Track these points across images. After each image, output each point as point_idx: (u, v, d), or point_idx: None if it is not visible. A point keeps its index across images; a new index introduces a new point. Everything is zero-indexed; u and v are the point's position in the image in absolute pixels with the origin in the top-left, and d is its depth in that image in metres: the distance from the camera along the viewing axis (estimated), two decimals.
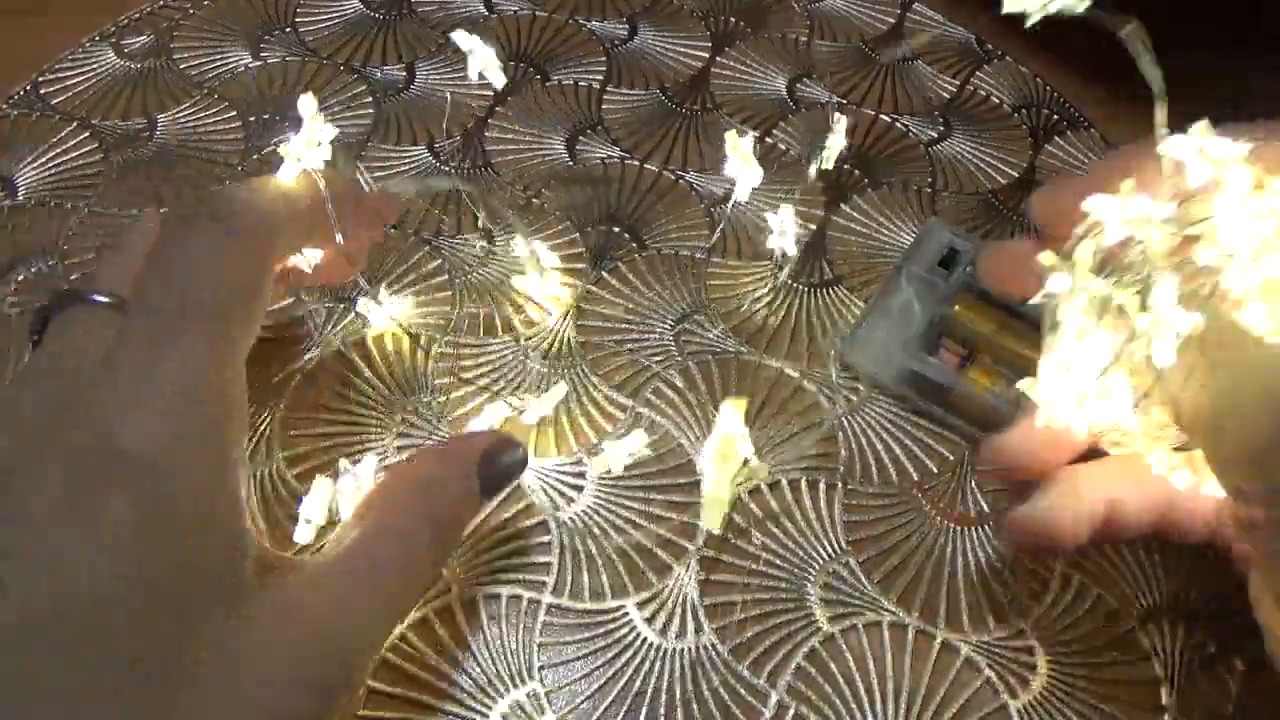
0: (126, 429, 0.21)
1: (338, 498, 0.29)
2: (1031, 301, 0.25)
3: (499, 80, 0.31)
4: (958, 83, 0.49)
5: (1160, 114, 0.24)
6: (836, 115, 0.33)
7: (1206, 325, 0.22)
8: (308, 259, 0.31)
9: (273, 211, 0.26)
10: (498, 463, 0.28)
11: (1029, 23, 0.24)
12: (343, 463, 0.30)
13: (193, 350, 0.22)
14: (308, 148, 0.29)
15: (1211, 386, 0.22)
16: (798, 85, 0.49)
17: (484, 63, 0.31)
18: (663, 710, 0.29)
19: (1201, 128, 0.23)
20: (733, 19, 0.52)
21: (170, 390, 0.22)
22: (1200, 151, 0.23)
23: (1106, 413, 0.25)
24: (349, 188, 0.29)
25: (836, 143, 0.33)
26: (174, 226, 0.25)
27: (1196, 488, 0.26)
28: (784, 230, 0.32)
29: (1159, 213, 0.23)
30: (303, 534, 0.29)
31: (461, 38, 0.31)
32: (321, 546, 0.27)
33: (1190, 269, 0.23)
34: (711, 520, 0.28)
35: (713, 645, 0.30)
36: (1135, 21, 0.24)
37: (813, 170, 0.36)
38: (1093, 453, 0.28)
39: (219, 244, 0.24)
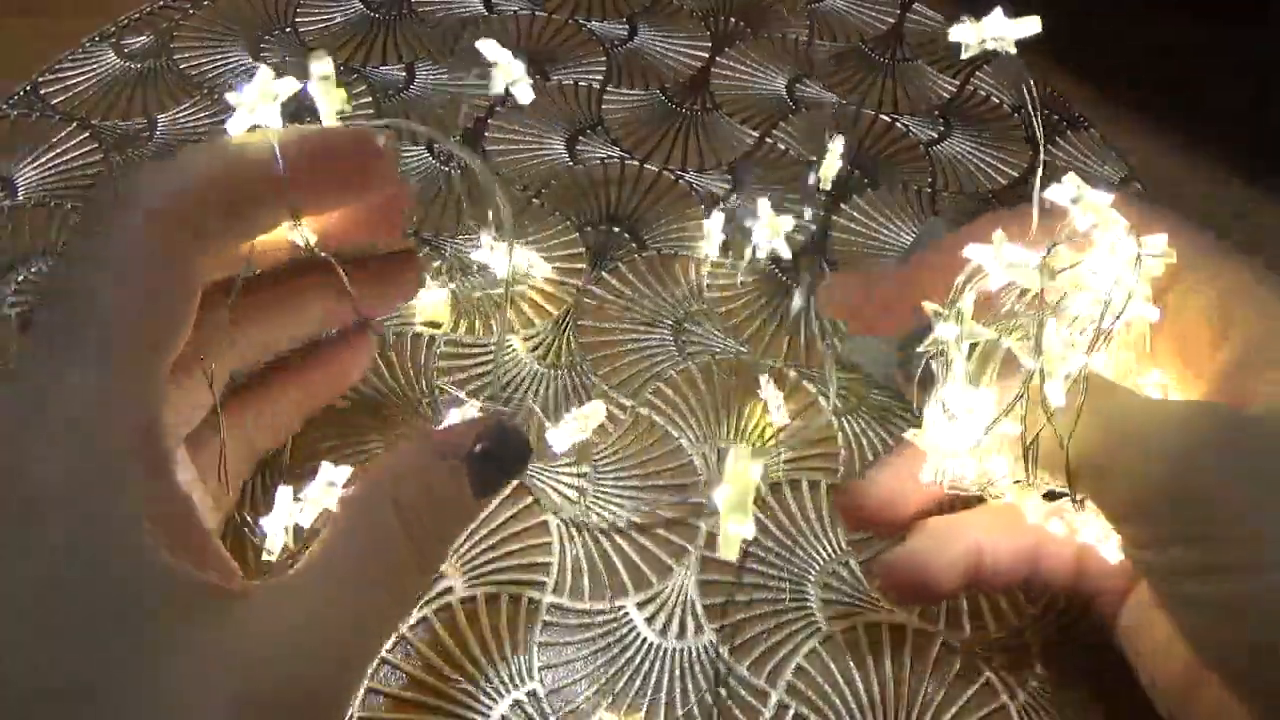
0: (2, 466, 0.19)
1: (307, 507, 0.26)
2: (919, 350, 0.25)
3: (526, 96, 0.28)
4: (958, 83, 0.49)
5: (1037, 179, 0.24)
6: (834, 136, 0.32)
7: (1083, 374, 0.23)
8: (302, 233, 0.26)
9: (185, 195, 0.22)
10: (491, 456, 0.24)
11: (964, 54, 0.24)
12: (324, 465, 0.27)
13: (85, 372, 0.20)
14: (262, 99, 0.24)
15: (1091, 436, 0.22)
16: (798, 85, 0.49)
17: (511, 75, 0.28)
18: (663, 710, 0.29)
19: (1072, 176, 0.24)
20: (733, 19, 0.52)
21: (56, 420, 0.19)
22: (1077, 199, 0.23)
23: (991, 463, 0.25)
24: (313, 142, 0.24)
25: (832, 165, 0.32)
26: (79, 224, 0.23)
27: (1071, 536, 0.26)
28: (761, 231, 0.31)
29: (1035, 259, 0.24)
30: (268, 553, 0.26)
31: (488, 48, 0.28)
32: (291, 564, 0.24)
33: (1063, 319, 0.24)
34: (730, 551, 0.25)
35: (713, 645, 0.30)
36: (1029, 81, 0.25)
37: (811, 179, 0.35)
38: (951, 504, 0.28)
39: (118, 244, 0.21)
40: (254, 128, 0.24)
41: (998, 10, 0.23)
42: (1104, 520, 0.25)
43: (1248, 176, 0.46)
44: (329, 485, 0.26)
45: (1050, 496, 0.26)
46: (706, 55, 0.50)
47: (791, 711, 0.29)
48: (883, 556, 0.27)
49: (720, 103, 0.47)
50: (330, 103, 0.26)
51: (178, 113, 0.45)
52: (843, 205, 0.43)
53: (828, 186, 0.33)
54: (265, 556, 0.26)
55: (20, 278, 0.38)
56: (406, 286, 0.31)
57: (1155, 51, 0.50)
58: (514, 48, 0.49)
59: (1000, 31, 0.23)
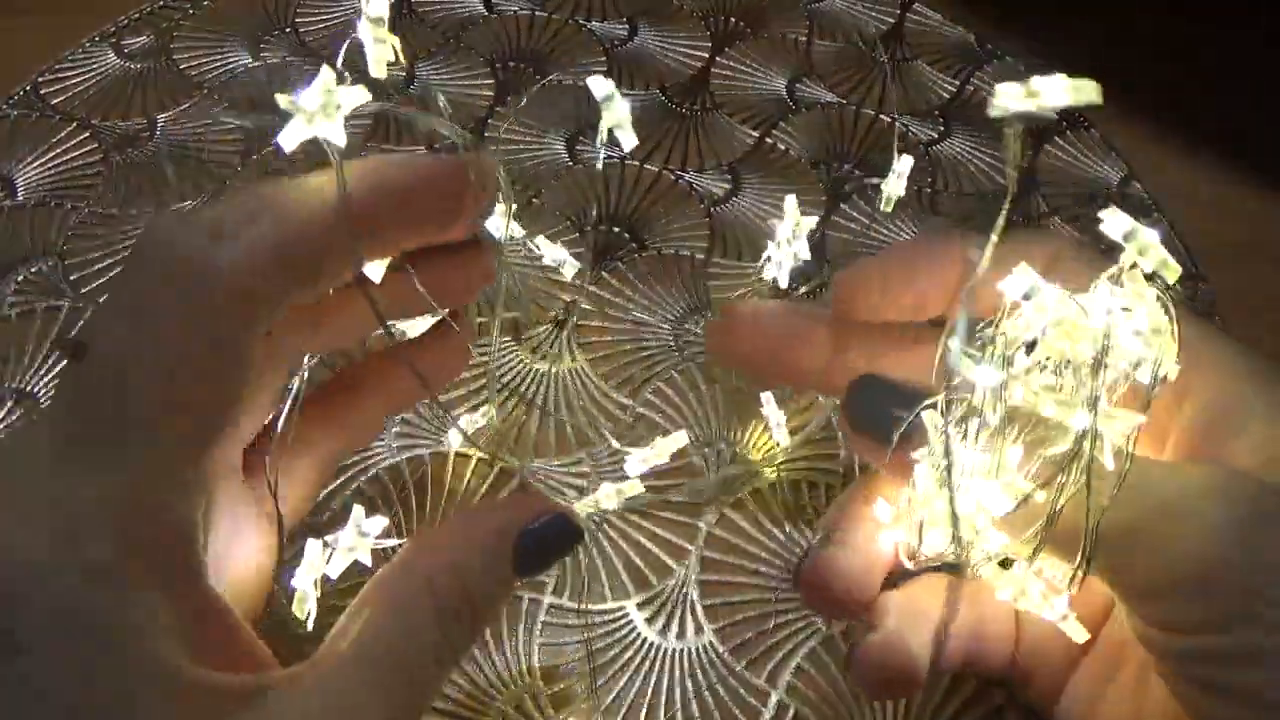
0: None
1: (336, 556, 0.25)
2: (937, 399, 0.21)
3: (629, 141, 0.25)
4: (958, 83, 0.49)
5: (1001, 218, 0.22)
6: (901, 157, 0.29)
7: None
8: (376, 268, 0.23)
9: (238, 265, 0.19)
10: (539, 542, 0.22)
11: (993, 112, 0.21)
12: (355, 509, 0.26)
13: (93, 472, 0.18)
14: (324, 111, 0.19)
15: (1116, 505, 0.20)
16: (798, 85, 0.49)
17: (616, 118, 0.25)
18: (662, 710, 0.29)
19: (1113, 211, 0.20)
20: (733, 19, 0.52)
21: (58, 522, 0.18)
22: (1130, 234, 0.20)
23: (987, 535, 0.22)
24: (391, 181, 0.21)
25: (896, 187, 0.29)
26: (114, 288, 0.20)
27: (1011, 612, 0.24)
28: (780, 261, 0.29)
29: (1064, 303, 0.20)
30: (300, 608, 0.25)
31: (599, 85, 0.24)
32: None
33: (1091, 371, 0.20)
34: None
35: (713, 645, 0.30)
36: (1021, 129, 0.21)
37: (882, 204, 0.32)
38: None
39: (159, 323, 0.19)
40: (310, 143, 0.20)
41: (1059, 77, 0.20)
42: (1063, 595, 0.23)
43: (1247, 175, 0.46)
44: (361, 535, 0.25)
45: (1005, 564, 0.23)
46: (706, 55, 0.50)
47: (791, 711, 0.29)
48: (866, 646, 0.23)
49: (720, 103, 0.47)
50: (380, 51, 0.22)
51: (178, 113, 0.45)
52: (842, 205, 0.43)
53: (890, 209, 0.31)
54: (296, 614, 0.25)
55: (20, 278, 0.38)
56: (481, 275, 0.27)
57: (1152, 53, 0.50)
58: (514, 47, 0.50)
59: (1055, 101, 0.20)
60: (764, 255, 0.29)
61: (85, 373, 0.19)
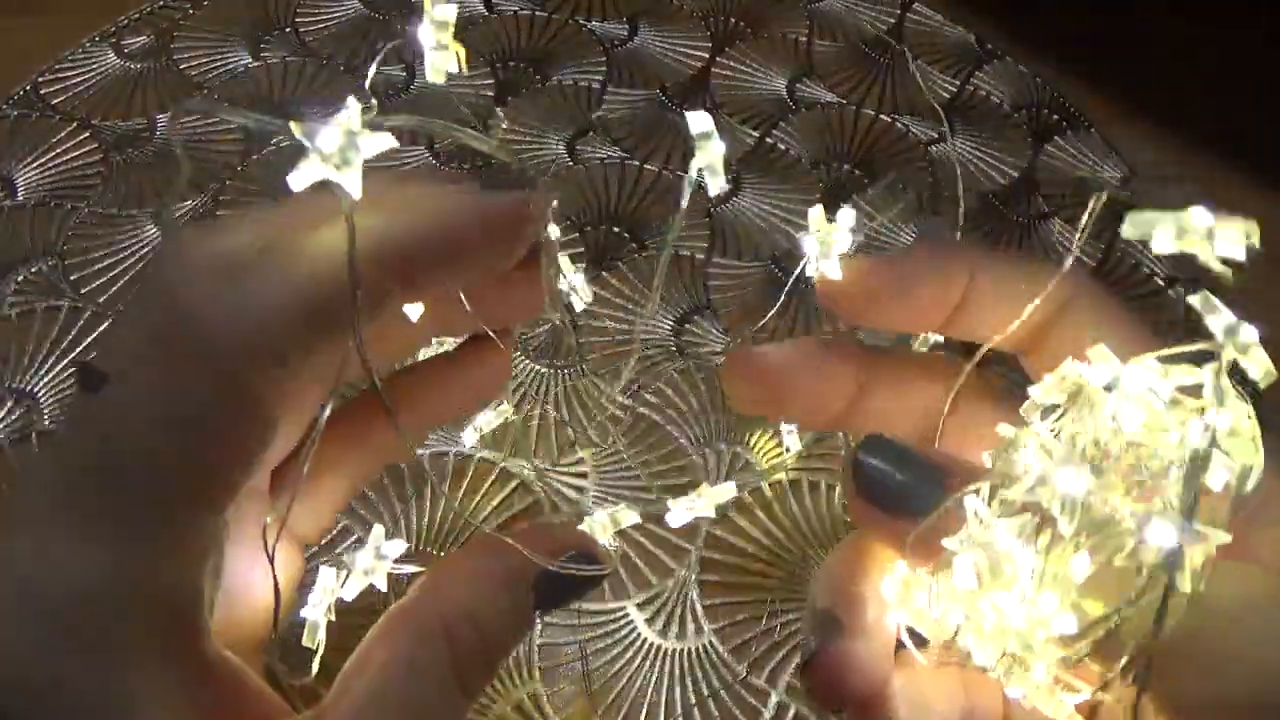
0: None
1: (351, 580, 0.24)
2: (980, 485, 0.18)
3: (718, 185, 0.22)
4: (958, 83, 0.49)
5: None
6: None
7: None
8: (414, 306, 0.22)
9: (260, 323, 0.17)
10: (563, 583, 0.21)
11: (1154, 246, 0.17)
12: (375, 529, 0.25)
13: (91, 532, 0.17)
14: (341, 155, 0.17)
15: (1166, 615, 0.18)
16: (798, 85, 0.49)
17: (710, 158, 0.22)
18: (662, 711, 0.29)
19: (1206, 298, 0.17)
20: (733, 19, 0.52)
21: (50, 594, 0.17)
22: (1232, 330, 0.17)
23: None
24: (434, 227, 0.19)
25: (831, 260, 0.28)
26: (123, 336, 0.18)
27: (1045, 709, 0.22)
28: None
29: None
30: (310, 639, 0.24)
31: (698, 121, 0.22)
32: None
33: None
34: None
35: (713, 645, 0.30)
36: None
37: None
38: None
39: (168, 381, 0.17)
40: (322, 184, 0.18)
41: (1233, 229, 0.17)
42: (1078, 695, 0.20)
43: (1247, 175, 0.46)
44: (379, 558, 0.24)
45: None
46: (706, 55, 0.50)
47: (791, 711, 0.29)
48: None
49: (720, 103, 0.47)
50: (441, 58, 0.20)
51: (178, 112, 0.45)
52: (842, 205, 0.43)
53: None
54: (306, 644, 0.24)
55: (20, 278, 0.38)
56: (533, 295, 0.24)
57: (1152, 53, 0.50)
58: (514, 47, 0.50)
59: (1221, 253, 0.17)
60: (799, 269, 0.27)
61: (91, 418, 0.18)
